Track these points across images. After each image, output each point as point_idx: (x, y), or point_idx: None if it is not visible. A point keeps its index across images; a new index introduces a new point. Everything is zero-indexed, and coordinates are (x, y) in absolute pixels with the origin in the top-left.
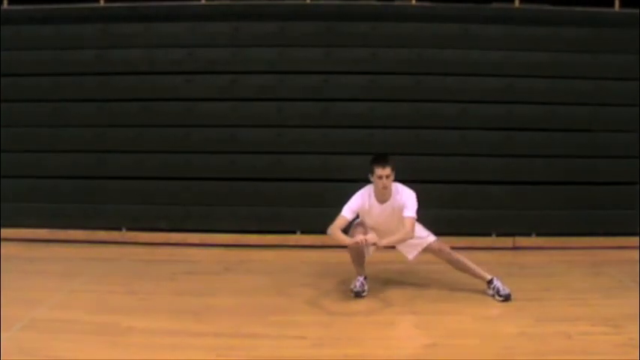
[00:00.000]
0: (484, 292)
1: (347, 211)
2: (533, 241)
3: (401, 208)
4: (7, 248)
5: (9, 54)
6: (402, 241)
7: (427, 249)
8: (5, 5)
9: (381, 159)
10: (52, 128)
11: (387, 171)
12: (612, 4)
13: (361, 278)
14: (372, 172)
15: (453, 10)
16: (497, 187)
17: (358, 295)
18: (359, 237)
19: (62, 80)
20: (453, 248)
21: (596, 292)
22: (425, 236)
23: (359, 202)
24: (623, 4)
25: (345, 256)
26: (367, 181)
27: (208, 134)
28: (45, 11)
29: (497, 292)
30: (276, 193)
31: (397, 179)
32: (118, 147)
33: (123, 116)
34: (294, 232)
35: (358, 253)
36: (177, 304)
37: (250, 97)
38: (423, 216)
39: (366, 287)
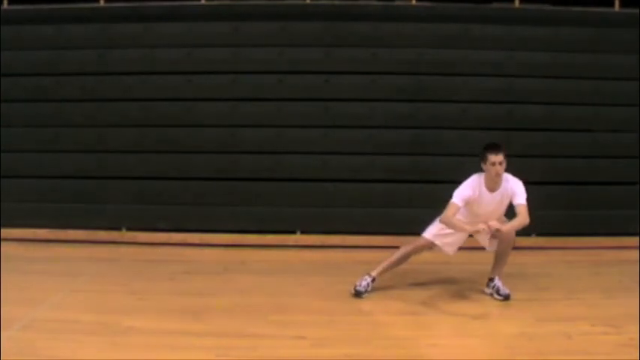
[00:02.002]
0: (483, 292)
1: (458, 199)
2: (533, 241)
3: (510, 197)
4: (7, 248)
5: (9, 54)
6: (520, 226)
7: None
8: (5, 5)
9: (494, 146)
10: (52, 128)
11: (500, 157)
12: (612, 4)
13: (369, 279)
14: (485, 160)
15: (453, 10)
16: None
17: (359, 294)
18: (481, 225)
19: (62, 80)
20: None
21: (596, 292)
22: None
23: (470, 191)
24: (623, 4)
25: (347, 256)
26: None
27: (208, 134)
28: (45, 11)
29: (497, 291)
30: (276, 193)
31: (397, 179)
32: (118, 147)
33: (123, 116)
34: (294, 232)
35: (400, 262)
36: (177, 304)
37: (250, 97)
38: (429, 216)
39: (369, 289)
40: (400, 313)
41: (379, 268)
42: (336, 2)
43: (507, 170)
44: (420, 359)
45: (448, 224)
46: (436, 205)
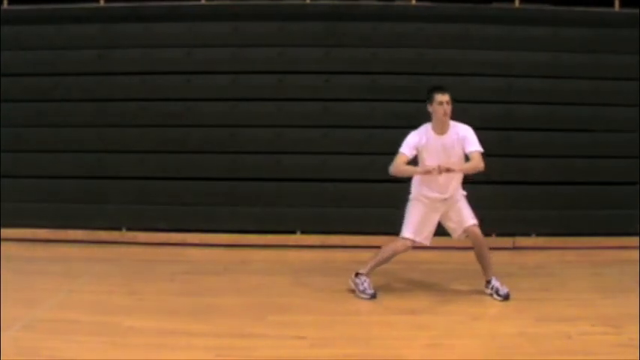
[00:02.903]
0: (483, 292)
1: (405, 149)
2: (533, 241)
3: (461, 141)
4: (7, 248)
5: (9, 54)
6: (473, 170)
7: (467, 230)
8: (5, 5)
9: (440, 86)
10: (52, 128)
11: (447, 97)
12: (612, 4)
13: (368, 279)
14: (432, 100)
15: (453, 10)
16: (498, 187)
17: (374, 295)
18: (431, 165)
19: (62, 80)
20: (452, 248)
21: (596, 292)
22: (471, 217)
23: (416, 137)
24: (623, 4)
25: (347, 256)
26: None
27: (208, 134)
28: (45, 11)
29: (497, 291)
30: (276, 193)
31: (396, 179)
32: (118, 147)
33: (123, 116)
34: (294, 232)
35: (385, 262)
36: (177, 304)
37: (250, 97)
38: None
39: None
40: (400, 313)
41: (368, 267)
42: (336, 2)
43: (505, 168)
44: (419, 359)
45: (398, 173)
46: None
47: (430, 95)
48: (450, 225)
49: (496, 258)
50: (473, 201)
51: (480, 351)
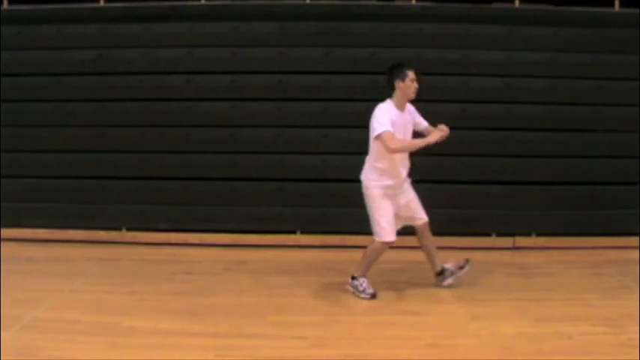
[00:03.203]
0: (483, 292)
1: (388, 125)
2: (533, 241)
3: (412, 118)
4: (7, 248)
5: (9, 54)
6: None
7: (422, 226)
8: (5, 5)
9: (407, 63)
10: (52, 128)
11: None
12: (612, 4)
13: (367, 279)
14: (404, 77)
15: (453, 10)
16: (497, 187)
17: (375, 294)
18: (439, 133)
19: (62, 80)
20: (452, 248)
21: (596, 292)
22: (424, 212)
23: (389, 112)
24: (623, 4)
25: (347, 256)
26: None
27: (208, 134)
28: (45, 11)
29: (452, 272)
30: (276, 193)
31: None
32: (118, 147)
33: (123, 116)
34: (294, 232)
35: (373, 263)
36: (176, 304)
37: (250, 97)
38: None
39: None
40: (400, 313)
41: (360, 268)
42: (336, 2)
43: (505, 168)
44: (419, 359)
45: (404, 149)
46: (436, 204)
47: (402, 71)
48: (399, 214)
49: (496, 258)
50: (473, 200)
51: (480, 351)
